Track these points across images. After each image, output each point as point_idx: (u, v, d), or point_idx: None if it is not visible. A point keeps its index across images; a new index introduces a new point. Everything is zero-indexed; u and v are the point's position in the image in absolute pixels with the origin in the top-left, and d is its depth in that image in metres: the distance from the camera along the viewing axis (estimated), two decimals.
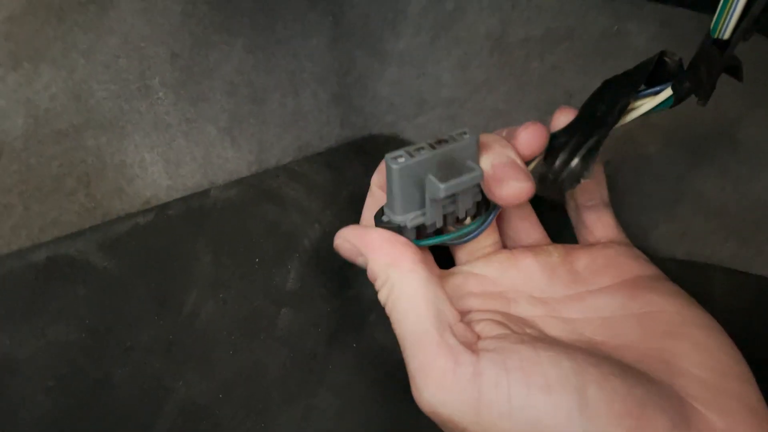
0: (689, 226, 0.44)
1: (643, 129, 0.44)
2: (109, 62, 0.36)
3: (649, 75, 0.32)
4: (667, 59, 0.32)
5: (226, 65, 0.41)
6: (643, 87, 0.32)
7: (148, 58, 0.37)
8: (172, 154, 0.38)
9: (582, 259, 0.33)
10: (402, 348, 0.28)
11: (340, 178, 0.45)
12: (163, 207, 0.36)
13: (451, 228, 0.33)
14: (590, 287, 0.32)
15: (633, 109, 0.32)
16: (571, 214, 0.37)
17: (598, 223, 0.35)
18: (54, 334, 0.33)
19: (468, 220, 0.33)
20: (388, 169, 0.30)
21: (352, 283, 0.42)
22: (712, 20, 0.28)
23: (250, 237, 0.39)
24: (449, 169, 0.30)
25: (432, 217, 0.31)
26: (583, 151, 0.31)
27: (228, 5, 0.42)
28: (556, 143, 0.32)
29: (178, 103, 0.38)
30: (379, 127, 0.48)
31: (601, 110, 0.32)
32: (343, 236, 0.32)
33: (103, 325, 0.34)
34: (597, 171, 0.36)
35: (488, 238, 0.35)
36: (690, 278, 0.41)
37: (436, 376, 0.25)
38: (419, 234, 0.32)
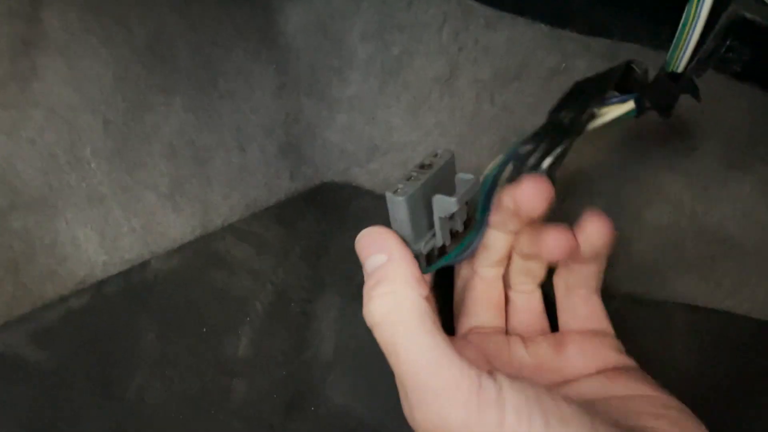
0: (646, 261, 0.43)
1: (594, 164, 0.43)
2: (34, 137, 0.33)
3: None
4: (634, 67, 0.31)
5: (165, 127, 0.38)
6: (610, 94, 0.31)
7: (77, 129, 0.35)
8: (107, 227, 0.35)
9: (570, 351, 0.32)
10: (405, 369, 0.25)
11: (292, 232, 0.42)
12: (100, 285, 0.34)
13: (451, 246, 0.32)
14: (575, 376, 0.31)
15: (599, 116, 0.31)
16: (559, 295, 0.34)
17: (586, 310, 0.33)
18: None
19: (463, 232, 0.33)
20: (395, 204, 0.29)
21: (308, 344, 0.40)
22: (667, 55, 0.29)
23: (196, 307, 0.36)
24: (446, 185, 0.30)
25: (441, 237, 0.31)
26: (549, 159, 0.30)
27: (164, 64, 0.39)
28: (522, 150, 0.31)
29: (113, 172, 0.36)
30: (331, 174, 0.46)
31: (568, 117, 0.31)
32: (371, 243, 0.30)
33: (43, 424, 0.31)
34: (595, 262, 0.33)
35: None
36: (649, 316, 0.39)
37: (461, 398, 0.23)
38: (428, 259, 0.31)
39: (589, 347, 0.32)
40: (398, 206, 0.29)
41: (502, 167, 0.31)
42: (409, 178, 0.29)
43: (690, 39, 0.27)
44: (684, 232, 0.43)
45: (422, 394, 0.24)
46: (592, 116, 0.31)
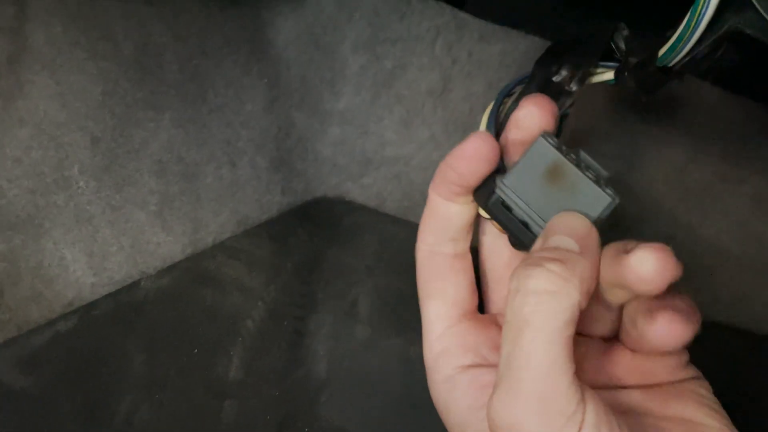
0: None
1: None
2: (20, 156, 0.33)
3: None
4: (614, 45, 0.30)
5: (154, 143, 0.38)
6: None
7: (64, 146, 0.34)
8: (96, 247, 0.34)
9: (622, 359, 0.29)
10: (520, 355, 0.23)
11: (283, 249, 0.42)
12: (88, 307, 0.33)
13: None
14: (618, 383, 0.28)
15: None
16: (624, 321, 0.29)
17: (651, 337, 0.28)
18: None
19: None
20: (600, 200, 0.25)
21: (301, 362, 0.39)
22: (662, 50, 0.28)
23: (186, 327, 0.36)
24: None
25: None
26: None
27: (152, 78, 0.39)
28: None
29: (101, 190, 0.35)
30: (323, 189, 0.45)
31: (561, 76, 0.30)
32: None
33: None
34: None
35: None
36: None
37: (553, 412, 0.22)
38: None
39: (640, 366, 0.28)
40: (609, 207, 0.25)
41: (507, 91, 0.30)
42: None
43: (687, 43, 0.27)
44: (680, 244, 0.43)
45: (519, 387, 0.22)
46: (587, 77, 0.30)
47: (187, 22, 0.42)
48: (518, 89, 0.31)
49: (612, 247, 0.25)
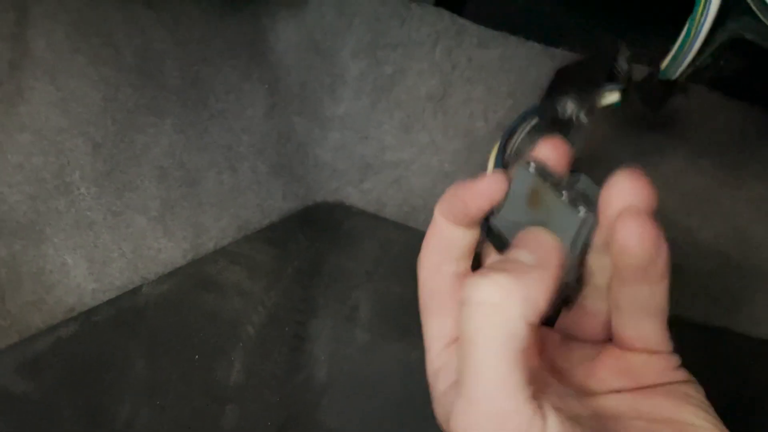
0: None
1: None
2: (21, 162, 0.33)
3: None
4: (617, 67, 0.30)
5: (155, 148, 0.38)
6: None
7: (66, 152, 0.34)
8: (97, 252, 0.34)
9: (608, 364, 0.28)
10: (469, 370, 0.23)
11: (283, 254, 0.42)
12: (89, 313, 0.33)
13: None
14: (607, 390, 0.28)
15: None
16: (615, 321, 0.29)
17: (643, 336, 0.28)
18: None
19: None
20: (582, 222, 0.25)
21: (301, 367, 0.40)
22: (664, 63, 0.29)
23: (187, 332, 0.36)
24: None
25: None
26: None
27: (153, 84, 0.39)
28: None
29: (102, 196, 0.35)
30: (323, 194, 0.45)
31: (569, 110, 0.30)
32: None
33: None
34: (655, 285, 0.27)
35: None
36: None
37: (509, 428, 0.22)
38: None
39: (631, 366, 0.28)
40: (585, 225, 0.25)
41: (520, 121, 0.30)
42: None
43: (688, 53, 0.27)
44: (679, 248, 0.43)
45: (471, 405, 0.22)
46: (594, 106, 0.30)
47: (188, 28, 0.42)
48: (522, 126, 0.31)
49: None
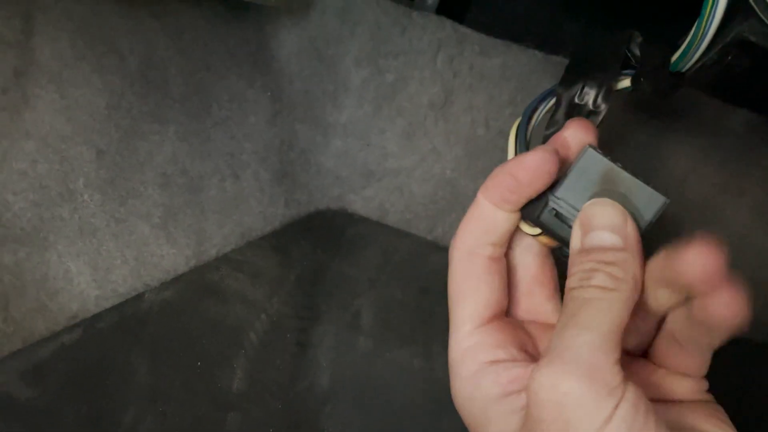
0: None
1: None
2: (26, 169, 0.33)
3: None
4: (630, 53, 0.31)
5: (158, 156, 0.38)
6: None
7: (70, 159, 0.34)
8: (100, 259, 0.35)
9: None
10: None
11: (286, 260, 0.42)
12: (93, 320, 0.33)
13: None
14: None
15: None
16: (661, 341, 0.29)
17: (685, 363, 0.28)
18: None
19: None
20: (653, 199, 0.26)
21: (304, 374, 0.39)
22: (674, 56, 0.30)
23: (190, 339, 0.36)
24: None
25: None
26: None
27: (157, 91, 0.39)
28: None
29: (106, 203, 0.35)
30: (326, 201, 0.45)
31: (586, 95, 0.30)
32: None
33: None
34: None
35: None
36: None
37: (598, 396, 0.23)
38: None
39: (662, 382, 0.28)
40: (660, 205, 0.26)
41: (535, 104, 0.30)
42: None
43: (696, 51, 0.28)
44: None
45: (570, 357, 0.23)
46: (611, 92, 0.30)
47: (191, 36, 0.42)
48: (540, 109, 0.31)
49: (662, 250, 0.25)
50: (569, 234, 0.26)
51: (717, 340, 0.26)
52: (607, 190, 0.26)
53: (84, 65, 0.37)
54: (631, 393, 0.23)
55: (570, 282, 0.25)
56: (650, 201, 0.26)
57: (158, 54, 0.40)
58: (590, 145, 0.26)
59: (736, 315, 0.24)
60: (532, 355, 0.28)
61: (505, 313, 0.30)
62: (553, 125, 0.30)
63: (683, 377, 0.28)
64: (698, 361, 0.28)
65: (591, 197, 0.26)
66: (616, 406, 0.22)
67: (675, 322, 0.27)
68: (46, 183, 0.34)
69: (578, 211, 0.26)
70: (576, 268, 0.25)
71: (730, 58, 0.28)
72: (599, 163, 0.26)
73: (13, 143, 0.33)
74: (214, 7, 0.43)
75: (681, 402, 0.28)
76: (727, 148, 0.46)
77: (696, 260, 0.24)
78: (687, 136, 0.45)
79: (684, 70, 0.30)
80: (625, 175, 0.26)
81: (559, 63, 0.44)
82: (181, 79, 0.41)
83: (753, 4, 0.26)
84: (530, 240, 0.30)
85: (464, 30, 0.44)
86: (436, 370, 0.41)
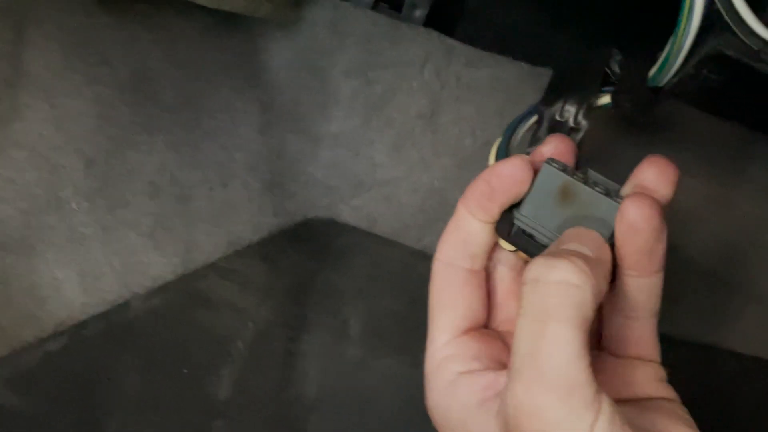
0: None
1: None
2: (15, 177, 0.33)
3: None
4: (609, 71, 0.32)
5: (147, 165, 0.38)
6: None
7: (59, 168, 0.35)
8: (88, 267, 0.35)
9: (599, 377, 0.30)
10: (544, 350, 0.23)
11: (275, 269, 0.42)
12: (79, 327, 0.34)
13: None
14: None
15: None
16: (610, 323, 0.30)
17: (635, 338, 0.29)
18: None
19: None
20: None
21: (292, 383, 0.40)
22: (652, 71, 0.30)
23: (177, 347, 0.36)
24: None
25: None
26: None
27: (147, 102, 0.39)
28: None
29: (94, 211, 0.35)
30: (315, 210, 0.46)
31: (567, 113, 0.31)
32: None
33: None
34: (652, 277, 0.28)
35: None
36: None
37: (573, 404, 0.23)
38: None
39: (622, 373, 0.29)
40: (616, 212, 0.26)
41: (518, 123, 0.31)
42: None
43: (673, 65, 0.29)
44: (667, 266, 0.43)
45: (541, 377, 0.23)
46: (591, 108, 0.31)
47: (183, 48, 0.43)
48: (522, 125, 0.32)
49: None
50: (539, 251, 0.27)
51: (651, 290, 0.27)
52: (565, 204, 0.27)
53: (75, 76, 0.37)
54: (607, 405, 0.23)
55: (526, 283, 0.25)
56: (609, 210, 0.26)
57: (150, 65, 0.40)
58: (548, 160, 0.27)
59: (649, 219, 0.25)
60: (507, 366, 0.29)
61: (484, 325, 0.30)
62: (535, 142, 0.31)
63: (640, 363, 0.28)
64: (646, 331, 0.28)
65: (552, 215, 0.27)
66: (594, 422, 0.22)
67: (615, 288, 0.27)
68: (35, 191, 0.34)
69: (544, 228, 0.27)
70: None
71: (706, 71, 0.29)
72: (556, 178, 0.26)
73: (2, 152, 0.33)
74: (206, 19, 0.43)
75: (645, 401, 0.28)
76: (713, 161, 0.46)
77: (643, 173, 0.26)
78: (674, 149, 0.45)
79: (662, 84, 0.30)
80: (582, 188, 0.26)
81: (545, 75, 0.44)
82: (171, 90, 0.41)
83: (727, 18, 0.26)
84: (508, 253, 0.30)
85: (452, 42, 0.44)
86: None
